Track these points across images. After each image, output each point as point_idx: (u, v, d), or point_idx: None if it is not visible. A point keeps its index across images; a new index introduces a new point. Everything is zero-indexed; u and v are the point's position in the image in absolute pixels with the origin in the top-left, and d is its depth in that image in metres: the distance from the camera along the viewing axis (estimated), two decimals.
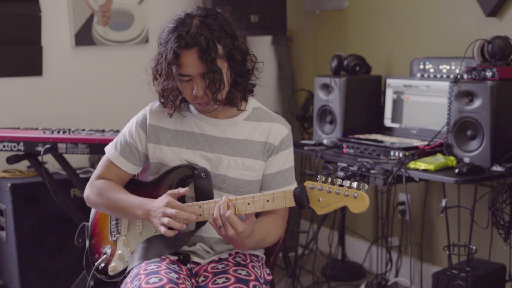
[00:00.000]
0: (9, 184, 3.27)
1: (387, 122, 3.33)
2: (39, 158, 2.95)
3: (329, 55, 3.70)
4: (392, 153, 2.91)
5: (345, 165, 3.00)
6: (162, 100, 2.08)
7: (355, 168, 2.93)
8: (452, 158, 2.74)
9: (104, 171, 2.17)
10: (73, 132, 2.99)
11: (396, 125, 3.28)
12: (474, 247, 2.78)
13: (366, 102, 3.38)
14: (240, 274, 1.99)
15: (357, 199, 1.78)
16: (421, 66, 3.22)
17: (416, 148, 2.90)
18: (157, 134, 2.12)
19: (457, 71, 3.02)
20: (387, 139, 3.12)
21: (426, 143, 2.93)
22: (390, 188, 3.39)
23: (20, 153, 2.99)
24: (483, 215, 2.89)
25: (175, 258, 2.08)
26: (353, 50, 3.82)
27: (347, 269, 3.83)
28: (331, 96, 3.34)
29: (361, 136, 3.22)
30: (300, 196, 1.84)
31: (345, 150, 3.15)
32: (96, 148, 2.89)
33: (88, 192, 2.17)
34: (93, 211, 2.30)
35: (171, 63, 1.95)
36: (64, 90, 3.80)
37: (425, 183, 3.43)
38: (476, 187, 2.85)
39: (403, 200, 3.60)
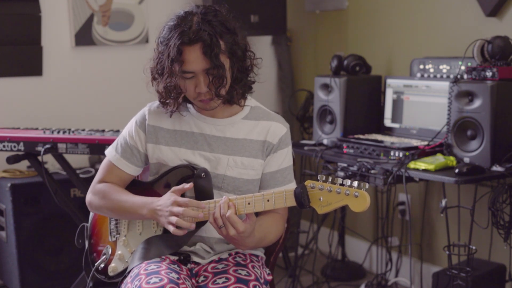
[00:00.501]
0: (9, 184, 3.27)
1: (387, 122, 3.33)
2: (39, 158, 2.95)
3: (329, 55, 3.70)
4: (392, 153, 2.91)
5: (345, 165, 3.00)
6: (162, 99, 2.08)
7: (355, 168, 2.93)
8: (452, 158, 2.74)
9: (105, 175, 2.16)
10: (73, 132, 2.99)
11: (396, 125, 3.28)
12: (474, 247, 2.78)
13: (366, 102, 3.38)
14: (240, 274, 1.99)
15: (358, 198, 1.78)
16: (421, 66, 3.22)
17: (416, 148, 2.90)
18: (156, 134, 2.12)
19: (457, 71, 3.02)
20: (387, 139, 3.12)
21: (426, 143, 2.93)
22: (390, 188, 3.39)
23: (20, 153, 2.99)
24: (483, 215, 2.89)
25: (176, 258, 2.08)
26: (353, 50, 3.82)
27: (347, 269, 3.83)
28: (331, 96, 3.34)
29: (361, 136, 3.22)
30: (301, 196, 1.84)
31: (345, 150, 3.15)
32: (96, 148, 2.89)
33: (91, 197, 2.17)
34: None
35: (174, 60, 1.94)
36: (64, 90, 3.80)
37: (425, 183, 3.43)
38: (476, 187, 2.85)
39: (403, 200, 3.60)
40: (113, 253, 2.15)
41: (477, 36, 2.89)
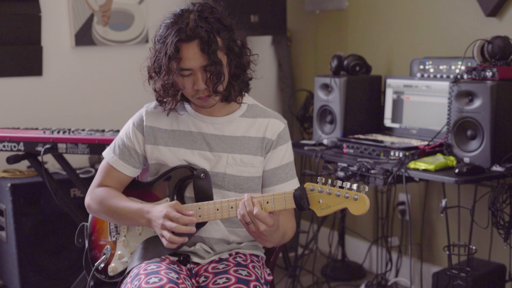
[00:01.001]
0: (9, 184, 3.27)
1: (387, 122, 3.33)
2: (39, 158, 2.95)
3: (329, 55, 3.70)
4: (392, 153, 2.91)
5: (345, 165, 3.00)
6: (159, 98, 2.08)
7: (355, 168, 2.93)
8: (452, 158, 2.74)
9: (104, 178, 2.16)
10: (73, 132, 2.99)
11: (396, 125, 3.28)
12: (474, 247, 2.78)
13: (366, 102, 3.38)
14: (240, 274, 1.99)
15: (357, 201, 1.78)
16: (421, 66, 3.22)
17: (416, 148, 2.90)
18: (154, 135, 2.12)
19: (457, 71, 3.02)
20: (387, 139, 3.12)
21: (426, 143, 2.93)
22: (390, 188, 3.39)
23: (20, 153, 2.99)
24: (483, 215, 2.89)
25: (175, 258, 2.08)
26: (353, 50, 3.82)
27: (347, 269, 3.83)
28: (331, 96, 3.34)
29: (361, 136, 3.22)
30: (300, 198, 1.84)
31: (345, 150, 3.15)
32: (96, 148, 2.89)
33: (89, 200, 2.16)
34: None
35: (171, 58, 1.94)
36: (64, 90, 3.80)
37: (425, 183, 3.43)
38: (476, 187, 2.85)
39: (403, 200, 3.60)
40: (112, 253, 2.15)
41: (477, 36, 2.90)
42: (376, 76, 3.45)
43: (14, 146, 2.93)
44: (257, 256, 2.17)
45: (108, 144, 2.78)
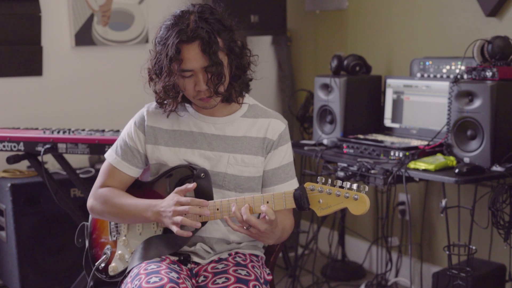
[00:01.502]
0: (9, 184, 3.27)
1: (387, 122, 3.33)
2: (39, 158, 2.95)
3: (329, 55, 3.70)
4: (392, 153, 2.91)
5: (345, 165, 3.00)
6: (160, 100, 2.08)
7: (355, 168, 2.93)
8: (452, 158, 2.74)
9: (106, 179, 2.15)
10: (73, 132, 2.99)
11: (396, 125, 3.28)
12: (474, 247, 2.78)
13: (366, 102, 3.38)
14: (240, 274, 1.99)
15: (357, 201, 1.78)
16: (421, 66, 3.22)
17: (416, 148, 2.90)
18: (155, 135, 2.12)
19: (457, 71, 3.02)
20: (387, 139, 3.12)
21: (426, 143, 2.93)
22: (390, 188, 3.38)
23: (20, 153, 2.99)
24: (483, 215, 2.89)
25: (176, 258, 2.08)
26: (353, 50, 3.82)
27: (347, 269, 3.83)
28: (331, 96, 3.34)
29: (361, 136, 3.22)
30: (300, 198, 1.84)
31: (345, 150, 3.15)
32: (96, 148, 2.89)
33: (92, 202, 2.15)
34: None
35: (172, 59, 1.94)
36: (64, 90, 3.80)
37: (425, 183, 3.43)
38: (476, 187, 2.85)
39: (403, 200, 3.60)
40: (113, 253, 2.15)
41: (477, 36, 2.89)
42: (376, 76, 3.45)
43: (14, 146, 2.93)
44: (256, 256, 2.17)
45: (108, 144, 2.80)
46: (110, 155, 2.17)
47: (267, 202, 1.89)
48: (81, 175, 3.36)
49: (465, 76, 2.79)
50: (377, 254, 3.70)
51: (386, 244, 3.53)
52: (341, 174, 2.99)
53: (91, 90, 3.88)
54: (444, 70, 3.11)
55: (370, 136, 3.23)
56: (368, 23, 3.81)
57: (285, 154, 2.13)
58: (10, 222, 3.30)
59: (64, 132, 2.98)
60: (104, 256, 2.16)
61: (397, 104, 3.27)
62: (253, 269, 2.04)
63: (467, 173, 2.60)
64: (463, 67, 2.96)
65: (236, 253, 2.13)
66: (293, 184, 2.13)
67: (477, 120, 2.68)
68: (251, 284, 1.95)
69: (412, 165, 2.76)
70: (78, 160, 3.67)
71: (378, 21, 3.74)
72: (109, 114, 3.89)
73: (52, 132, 3.00)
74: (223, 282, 1.95)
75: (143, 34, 3.97)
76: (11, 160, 2.97)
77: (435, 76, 3.15)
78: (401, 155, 2.87)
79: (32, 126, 3.52)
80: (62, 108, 3.79)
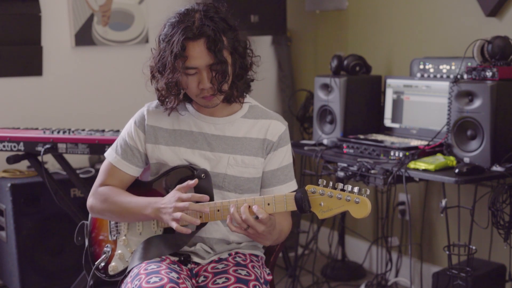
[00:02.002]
0: (9, 184, 3.27)
1: (387, 122, 3.33)
2: (39, 158, 2.95)
3: (329, 55, 3.70)
4: (392, 153, 2.91)
5: (345, 165, 2.99)
6: (161, 97, 2.07)
7: (355, 168, 2.93)
8: (452, 158, 2.74)
9: (106, 178, 2.15)
10: (73, 132, 2.99)
11: (396, 125, 3.28)
12: (474, 247, 2.78)
13: (366, 102, 3.38)
14: (240, 274, 1.99)
15: (358, 204, 1.78)
16: (421, 66, 3.22)
17: (416, 148, 2.90)
18: (155, 134, 2.12)
19: (457, 71, 3.02)
20: (387, 139, 3.12)
21: (426, 143, 2.93)
22: (390, 188, 3.39)
23: (20, 153, 2.99)
24: (483, 215, 2.89)
25: (176, 259, 2.08)
26: (353, 50, 3.82)
27: (347, 269, 3.83)
28: (331, 96, 3.34)
29: (361, 136, 3.22)
30: (302, 201, 1.85)
31: (345, 150, 3.15)
32: (96, 148, 2.89)
33: (92, 201, 2.15)
34: None
35: (177, 56, 1.94)
36: (64, 90, 3.80)
37: (425, 183, 3.43)
38: (476, 187, 2.85)
39: (403, 200, 3.61)
40: (113, 252, 2.15)
41: (477, 36, 2.89)
42: (376, 76, 3.45)
43: (14, 146, 2.93)
44: (256, 256, 2.17)
45: (108, 144, 2.80)
46: (110, 154, 2.17)
47: (268, 204, 1.89)
48: (81, 175, 3.36)
49: (465, 76, 2.79)
50: (377, 254, 3.70)
51: (386, 244, 3.53)
52: (341, 174, 2.99)
53: (91, 90, 3.88)
54: (444, 70, 3.11)
55: (370, 136, 3.23)
56: (368, 23, 3.81)
57: (284, 156, 2.13)
58: (10, 222, 3.30)
59: (64, 132, 2.98)
60: (104, 255, 2.16)
61: (397, 104, 3.27)
62: (253, 269, 2.04)
63: (467, 173, 2.60)
64: (463, 67, 2.96)
65: (236, 253, 2.13)
66: (292, 185, 2.13)
67: (477, 120, 2.68)
68: (251, 284, 1.96)
69: (412, 165, 2.76)
70: (78, 160, 3.67)
71: (378, 21, 3.74)
72: (109, 114, 3.89)
73: (52, 132, 3.00)
74: (223, 282, 1.95)
75: (143, 34, 3.97)
76: (11, 160, 2.97)
77: (435, 76, 3.15)
78: (401, 155, 2.87)
79: (32, 126, 3.52)
80: (62, 108, 3.78)
